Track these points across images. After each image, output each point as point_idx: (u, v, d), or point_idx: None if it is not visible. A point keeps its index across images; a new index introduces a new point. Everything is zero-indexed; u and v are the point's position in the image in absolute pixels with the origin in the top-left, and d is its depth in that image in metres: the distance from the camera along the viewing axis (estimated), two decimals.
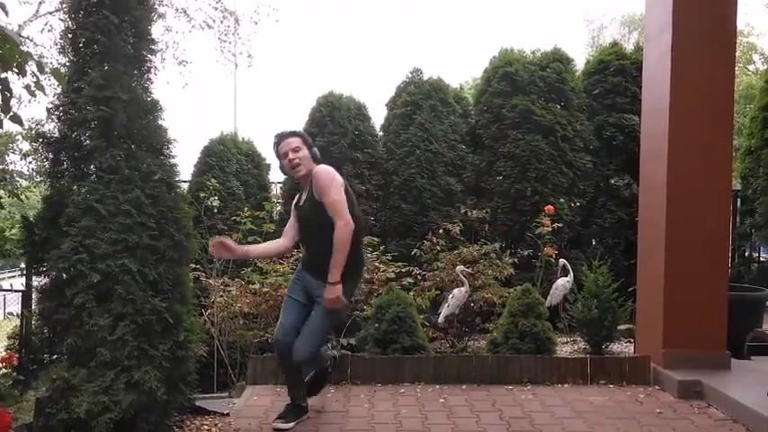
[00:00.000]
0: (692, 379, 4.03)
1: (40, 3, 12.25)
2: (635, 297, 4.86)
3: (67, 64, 3.39)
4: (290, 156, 3.41)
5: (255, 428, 3.45)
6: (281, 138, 3.51)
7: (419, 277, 5.45)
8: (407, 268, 5.48)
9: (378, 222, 6.82)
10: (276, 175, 7.58)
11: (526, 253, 5.94)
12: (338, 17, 58.23)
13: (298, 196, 3.58)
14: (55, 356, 3.28)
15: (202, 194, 5.59)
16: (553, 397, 4.04)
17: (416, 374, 4.33)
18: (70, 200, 3.21)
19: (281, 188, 7.32)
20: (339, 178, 3.34)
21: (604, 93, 7.16)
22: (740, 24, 17.64)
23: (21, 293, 5.27)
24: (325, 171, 3.32)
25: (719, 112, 4.28)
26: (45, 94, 2.57)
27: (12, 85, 2.39)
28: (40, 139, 3.38)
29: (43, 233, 3.26)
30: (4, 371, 3.14)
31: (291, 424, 3.42)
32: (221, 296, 4.96)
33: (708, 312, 4.23)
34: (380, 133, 7.29)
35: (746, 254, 8.17)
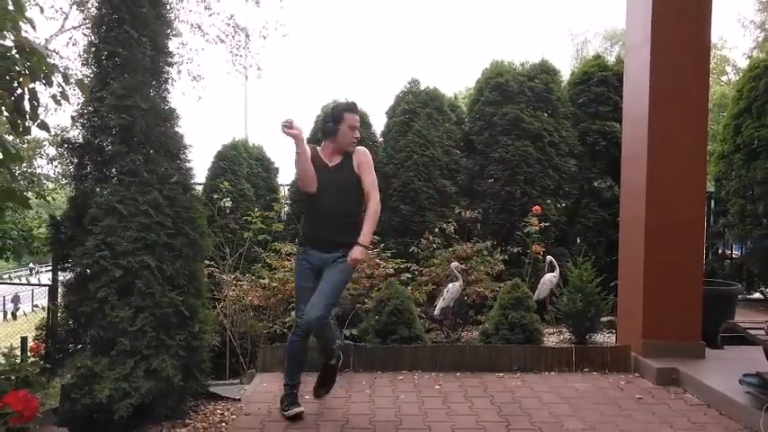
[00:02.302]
0: (669, 367, 4.03)
1: (65, 18, 12.21)
2: (617, 291, 4.86)
3: (91, 75, 3.41)
4: (357, 134, 3.41)
5: (265, 413, 3.45)
6: (354, 109, 3.41)
7: (416, 273, 5.45)
8: (406, 264, 5.47)
9: (378, 222, 6.81)
10: (284, 178, 7.58)
11: (516, 250, 5.93)
12: (342, 31, 58.30)
13: (319, 154, 3.41)
14: (79, 346, 3.30)
15: (216, 196, 5.59)
16: (541, 383, 4.04)
17: (414, 363, 4.33)
18: (93, 201, 3.22)
19: (288, 190, 7.32)
20: None
21: (588, 102, 7.15)
22: (714, 38, 17.63)
23: (47, 288, 5.27)
24: (367, 151, 3.47)
25: (695, 119, 4.29)
26: (70, 103, 2.59)
27: (39, 95, 2.39)
28: (66, 145, 3.40)
29: (69, 232, 3.27)
30: (32, 359, 3.13)
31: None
32: (233, 290, 4.96)
33: (684, 305, 4.23)
34: (380, 139, 7.29)
35: (720, 251, 8.16)
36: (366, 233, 3.33)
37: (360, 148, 3.45)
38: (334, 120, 3.37)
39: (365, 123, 7.14)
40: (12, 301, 14.21)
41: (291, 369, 3.43)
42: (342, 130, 3.36)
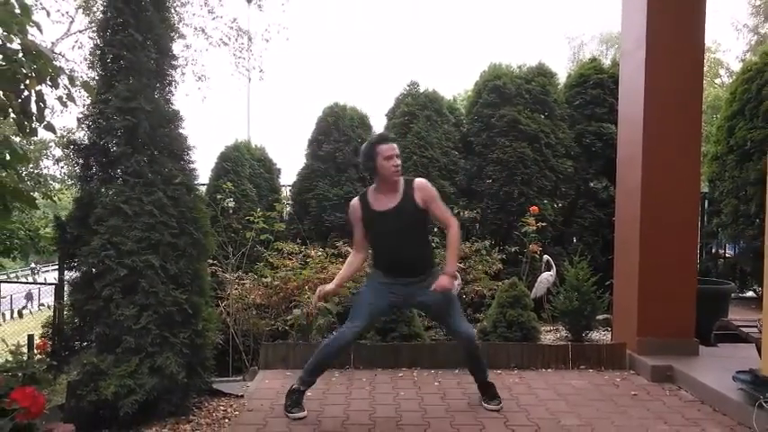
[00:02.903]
0: (663, 364, 4.03)
1: (71, 22, 12.24)
2: (612, 289, 4.85)
3: (96, 78, 3.40)
4: (397, 161, 3.22)
5: (267, 409, 3.45)
6: (384, 139, 3.29)
7: None
8: None
9: None
10: (285, 179, 7.59)
11: (513, 250, 5.93)
12: (342, 34, 58.31)
13: (370, 204, 3.29)
14: (85, 344, 3.29)
15: (219, 196, 5.59)
16: (538, 380, 4.04)
17: (413, 360, 4.33)
18: (99, 201, 3.21)
19: (289, 190, 7.33)
20: None
21: (584, 104, 7.16)
22: (708, 41, 17.63)
23: (54, 286, 5.27)
24: (427, 182, 3.34)
25: (689, 121, 4.28)
26: (76, 104, 2.58)
27: (46, 97, 2.39)
28: (71, 146, 3.39)
29: (74, 231, 3.26)
30: (38, 357, 3.13)
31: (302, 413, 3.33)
32: (236, 289, 4.96)
33: (678, 304, 4.23)
34: None
35: (713, 251, 8.17)
36: (451, 262, 3.23)
37: (418, 182, 3.29)
38: (369, 158, 3.24)
39: (365, 125, 7.16)
40: (25, 298, 14.36)
41: (317, 370, 3.35)
42: (380, 164, 3.21)
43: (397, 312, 4.52)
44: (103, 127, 3.27)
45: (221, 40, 12.55)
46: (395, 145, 3.26)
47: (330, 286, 3.41)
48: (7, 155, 2.35)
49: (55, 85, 2.34)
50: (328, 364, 3.41)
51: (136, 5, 3.29)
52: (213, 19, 12.38)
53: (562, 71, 16.69)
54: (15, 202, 2.57)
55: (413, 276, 3.28)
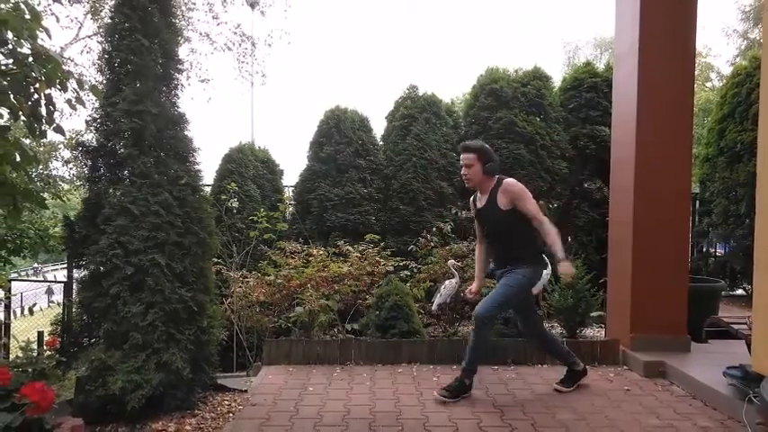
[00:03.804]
0: (656, 360, 4.03)
1: (80, 27, 12.18)
2: (606, 287, 4.85)
3: (104, 81, 3.40)
4: (463, 171, 3.53)
5: (270, 403, 3.45)
6: (461, 150, 3.59)
7: (415, 270, 5.45)
8: (405, 262, 5.48)
9: (378, 222, 6.82)
10: (288, 180, 7.59)
11: None
12: (344, 38, 58.32)
13: (474, 200, 3.66)
14: (93, 340, 3.29)
15: (223, 197, 5.59)
16: (534, 376, 4.04)
17: (412, 356, 4.32)
18: (106, 202, 3.22)
19: (292, 191, 7.32)
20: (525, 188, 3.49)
21: (579, 107, 7.16)
22: (699, 46, 17.59)
23: (63, 284, 5.28)
24: (515, 183, 3.47)
25: (680, 123, 4.28)
26: (84, 107, 2.59)
27: (55, 100, 2.39)
28: (80, 148, 3.39)
29: (83, 231, 3.26)
30: (48, 353, 3.13)
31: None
32: (240, 287, 4.96)
33: (670, 301, 4.23)
34: (381, 143, 7.29)
35: (704, 250, 8.17)
36: (557, 250, 3.38)
37: (504, 183, 3.47)
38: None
39: (365, 127, 7.16)
40: (46, 293, 14.50)
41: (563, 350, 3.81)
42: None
43: (396, 310, 4.52)
44: (111, 129, 3.27)
45: (225, 45, 12.51)
46: (465, 155, 3.51)
47: (475, 286, 3.80)
48: (18, 156, 2.36)
49: (64, 89, 2.35)
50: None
51: (143, 11, 3.29)
52: (218, 24, 12.32)
53: (557, 75, 16.72)
54: (26, 203, 2.58)
55: (504, 267, 3.59)
